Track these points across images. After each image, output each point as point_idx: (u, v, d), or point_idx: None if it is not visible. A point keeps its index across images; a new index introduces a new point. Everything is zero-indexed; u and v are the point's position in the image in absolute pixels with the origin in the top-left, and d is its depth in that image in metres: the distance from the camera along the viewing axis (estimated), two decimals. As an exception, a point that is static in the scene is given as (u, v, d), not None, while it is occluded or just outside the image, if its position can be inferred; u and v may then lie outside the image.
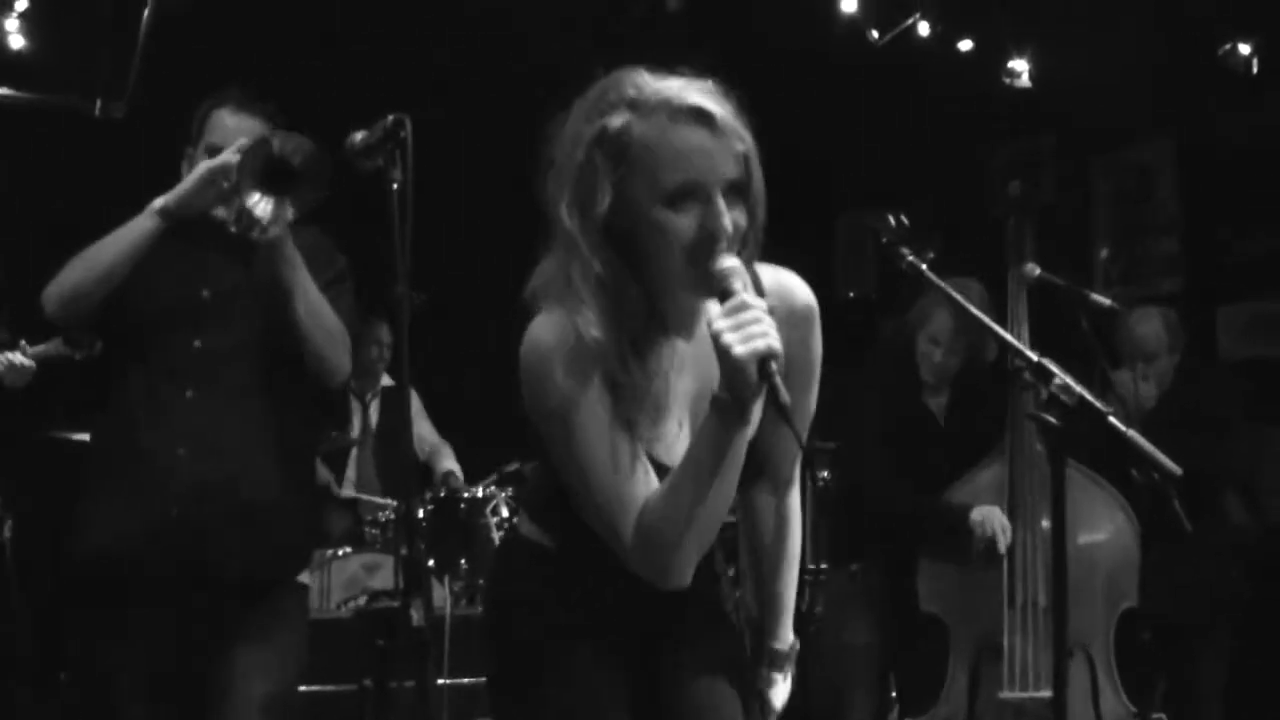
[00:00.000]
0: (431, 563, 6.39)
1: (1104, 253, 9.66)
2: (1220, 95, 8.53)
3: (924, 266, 3.61)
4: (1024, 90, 8.49)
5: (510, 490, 6.40)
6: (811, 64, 8.96)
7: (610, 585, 2.66)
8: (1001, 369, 4.89)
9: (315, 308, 3.82)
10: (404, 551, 3.24)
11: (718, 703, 2.79)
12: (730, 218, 2.44)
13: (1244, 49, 8.09)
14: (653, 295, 2.53)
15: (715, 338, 2.33)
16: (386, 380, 8.17)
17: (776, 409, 2.31)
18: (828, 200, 10.66)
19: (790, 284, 2.76)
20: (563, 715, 2.70)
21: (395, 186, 3.15)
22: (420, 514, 6.53)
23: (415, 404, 8.06)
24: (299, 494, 4.00)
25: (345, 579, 6.61)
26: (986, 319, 3.53)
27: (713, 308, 2.39)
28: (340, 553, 6.74)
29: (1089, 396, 3.09)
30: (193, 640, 3.81)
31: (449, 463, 7.84)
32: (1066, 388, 3.10)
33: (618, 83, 2.52)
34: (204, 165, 3.79)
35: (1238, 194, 8.78)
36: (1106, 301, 5.00)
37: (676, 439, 2.60)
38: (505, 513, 6.06)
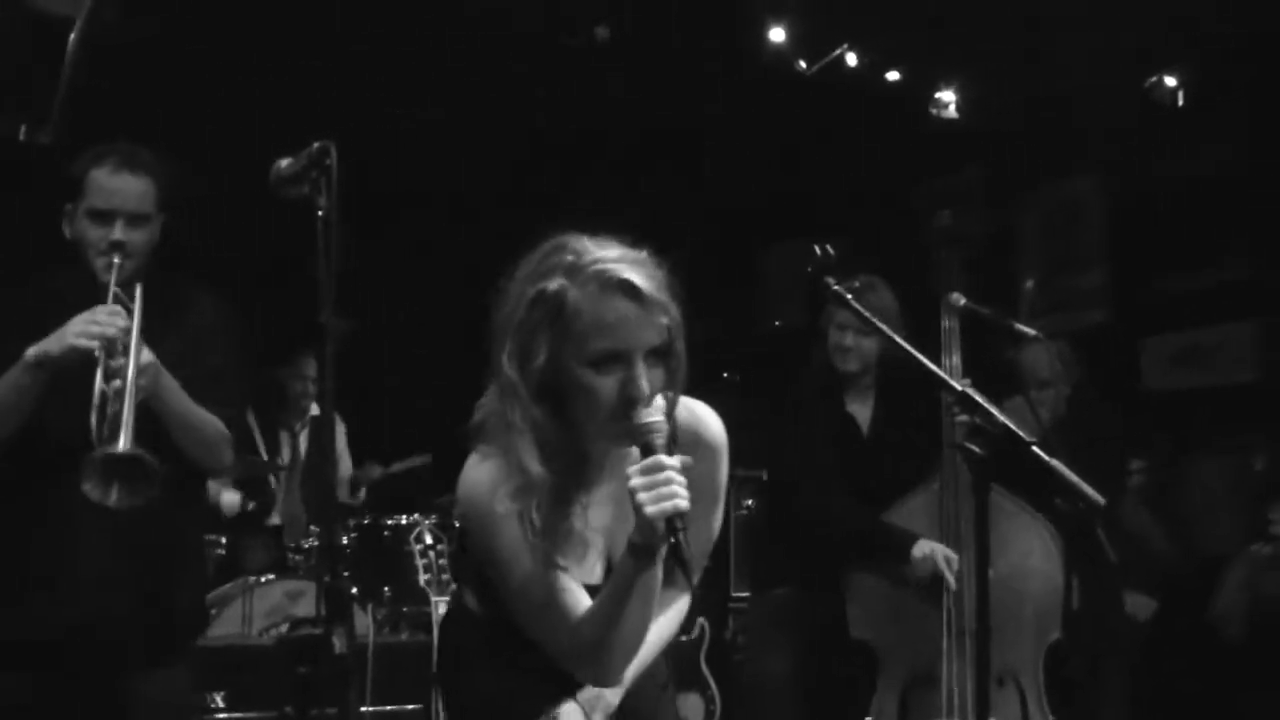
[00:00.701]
0: (355, 590, 6.37)
1: (1030, 284, 9.75)
2: (1147, 130, 8.64)
3: (849, 295, 3.62)
4: (951, 121, 8.56)
5: (434, 518, 6.37)
6: (741, 95, 9.00)
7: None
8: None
9: (189, 424, 3.79)
10: (326, 579, 3.21)
11: None
12: (648, 380, 2.71)
13: (1170, 82, 8.20)
14: (581, 441, 2.82)
15: (631, 494, 2.62)
16: (314, 409, 8.15)
17: (677, 562, 2.63)
18: (756, 233, 10.72)
19: (704, 417, 3.04)
20: None
21: (320, 213, 3.13)
22: (344, 541, 6.52)
23: (340, 433, 8.08)
24: (190, 584, 4.06)
25: (268, 606, 6.57)
26: (911, 349, 3.54)
27: (631, 467, 2.66)
28: (263, 579, 6.70)
29: (1013, 426, 3.11)
30: None
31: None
32: (991, 417, 3.13)
33: (559, 247, 2.78)
34: (78, 326, 3.63)
35: (1165, 228, 8.89)
36: (1030, 331, 5.03)
37: (596, 564, 2.92)
38: (429, 539, 6.03)
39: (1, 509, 3.80)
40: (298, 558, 7.11)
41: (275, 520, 7.79)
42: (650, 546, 2.67)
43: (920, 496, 5.01)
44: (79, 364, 3.60)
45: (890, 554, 4.91)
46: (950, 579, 4.78)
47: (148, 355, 3.64)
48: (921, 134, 9.03)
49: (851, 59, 8.40)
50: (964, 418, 3.45)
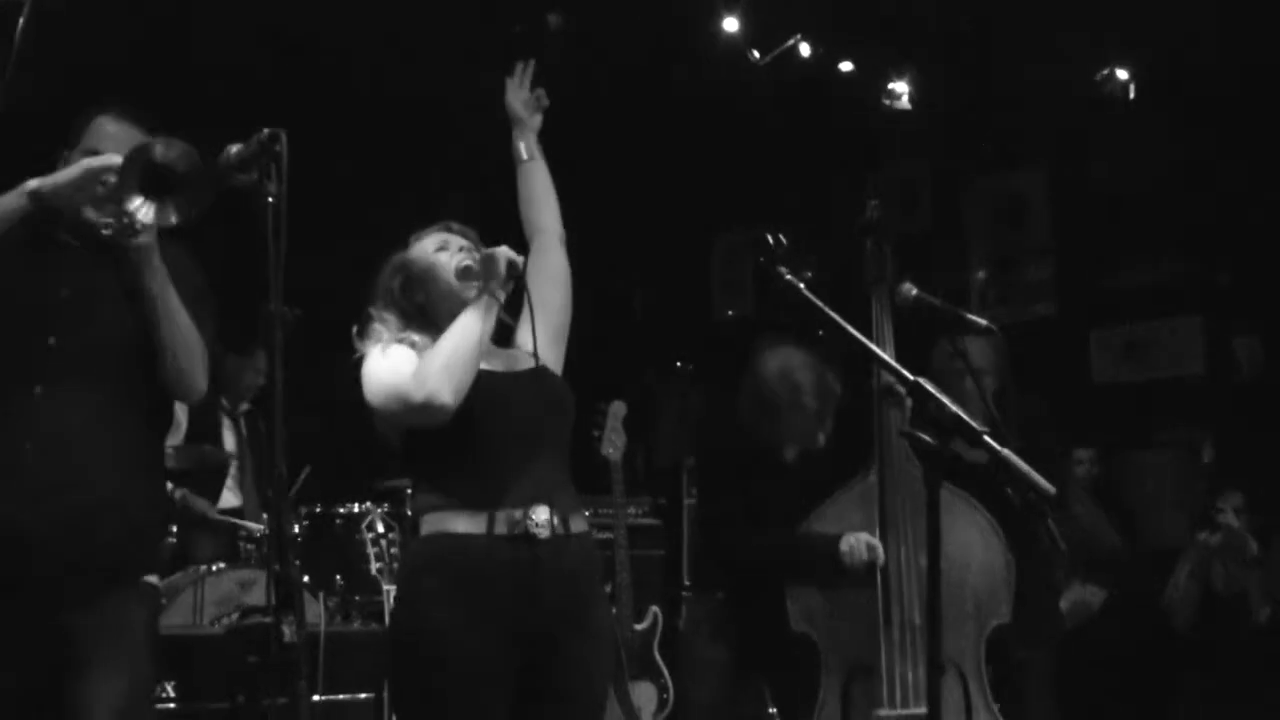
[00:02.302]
0: (306, 579, 6.33)
1: (980, 275, 9.79)
2: (1094, 124, 8.67)
3: (801, 285, 3.60)
4: (903, 113, 8.57)
5: (386, 506, 6.35)
6: (693, 86, 8.99)
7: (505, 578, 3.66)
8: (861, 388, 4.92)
9: (177, 320, 3.73)
10: (276, 567, 3.18)
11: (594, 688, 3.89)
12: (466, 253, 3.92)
13: (1121, 75, 8.22)
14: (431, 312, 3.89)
15: (485, 256, 3.78)
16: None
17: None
18: (705, 221, 10.71)
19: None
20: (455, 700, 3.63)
21: (270, 201, 3.10)
22: (295, 530, 6.48)
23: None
24: (142, 493, 3.86)
25: (219, 595, 6.51)
26: (865, 339, 3.53)
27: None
28: (214, 568, 6.65)
29: (965, 416, 3.11)
30: (38, 657, 3.70)
31: None
32: (942, 407, 3.12)
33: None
34: (85, 161, 3.66)
35: (1111, 222, 8.93)
36: (982, 322, 5.01)
37: None
38: (380, 528, 6.00)
39: None
40: (249, 546, 7.06)
41: (231, 502, 7.75)
42: (494, 290, 3.75)
43: (853, 490, 5.00)
44: (70, 210, 3.69)
45: (818, 561, 4.91)
46: (880, 556, 4.78)
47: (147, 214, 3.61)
48: (872, 125, 9.04)
49: (805, 49, 8.37)
50: (909, 405, 3.44)
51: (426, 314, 3.88)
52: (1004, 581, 4.90)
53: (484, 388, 3.72)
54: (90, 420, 3.69)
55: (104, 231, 3.64)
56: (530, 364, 3.83)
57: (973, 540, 4.88)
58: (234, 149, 3.20)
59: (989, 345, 5.63)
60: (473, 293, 3.78)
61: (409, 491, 5.35)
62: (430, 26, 8.17)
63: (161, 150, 3.56)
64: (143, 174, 3.53)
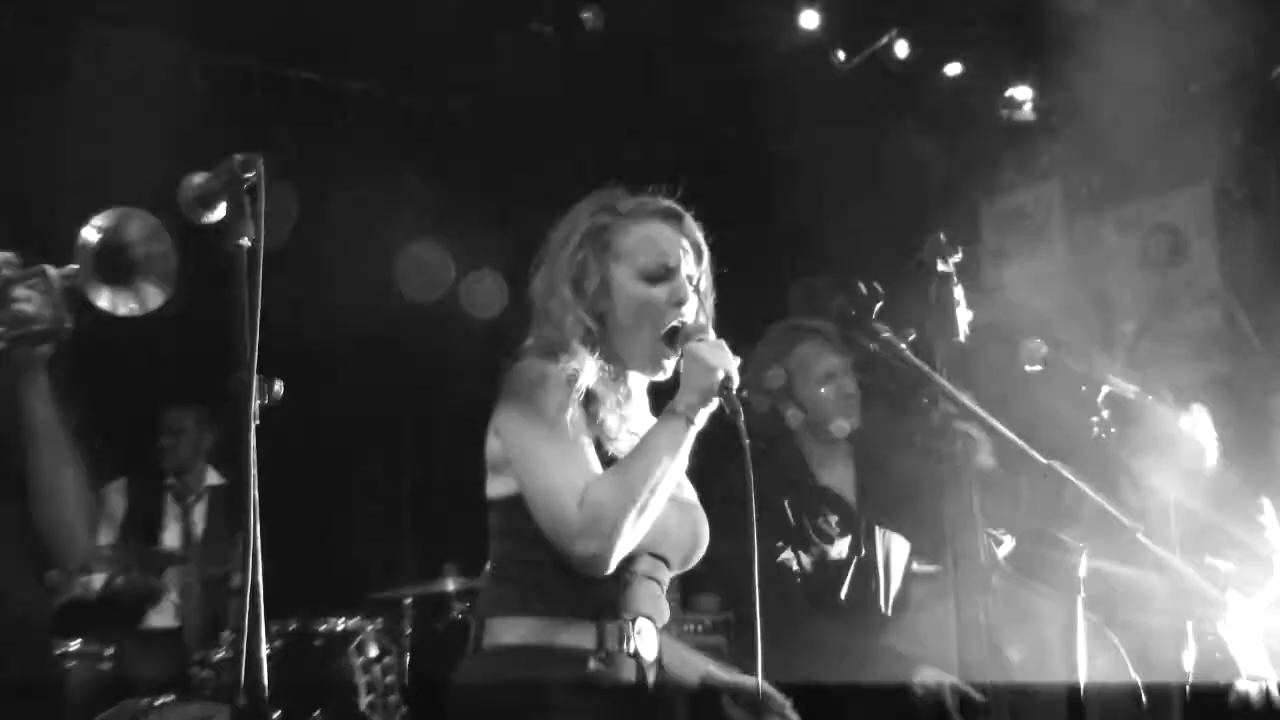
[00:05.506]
0: (278, 716, 6.33)
1: (1130, 328, 9.72)
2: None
3: (903, 346, 3.63)
4: (1025, 124, 8.56)
5: (380, 622, 6.35)
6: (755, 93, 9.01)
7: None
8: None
9: (59, 454, 3.85)
10: (240, 701, 3.19)
11: None
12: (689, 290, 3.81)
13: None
14: (621, 357, 3.85)
15: (689, 355, 3.65)
16: (214, 477, 8.13)
17: (730, 410, 3.58)
18: (766, 267, 10.64)
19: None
20: None
21: (243, 244, 3.12)
22: (264, 651, 6.47)
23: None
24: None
25: (166, 740, 6.50)
26: (985, 413, 3.54)
27: (690, 341, 3.69)
28: (159, 702, 6.63)
29: (1111, 508, 3.11)
30: None
31: None
32: (1082, 497, 3.12)
33: (599, 196, 3.94)
34: None
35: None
36: (1131, 389, 4.99)
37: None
38: (374, 651, 6.00)
39: None
40: (204, 673, 7.04)
41: (171, 622, 7.75)
42: (695, 404, 3.60)
43: (926, 609, 5.05)
44: None
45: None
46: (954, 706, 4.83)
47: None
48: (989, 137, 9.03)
49: (901, 49, 8.39)
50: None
51: (605, 326, 3.84)
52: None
53: None
54: None
55: None
56: (690, 493, 3.95)
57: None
58: (196, 179, 3.20)
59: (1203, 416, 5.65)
60: (669, 359, 3.81)
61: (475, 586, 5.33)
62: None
63: (114, 227, 3.62)
64: (97, 261, 3.59)
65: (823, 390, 5.44)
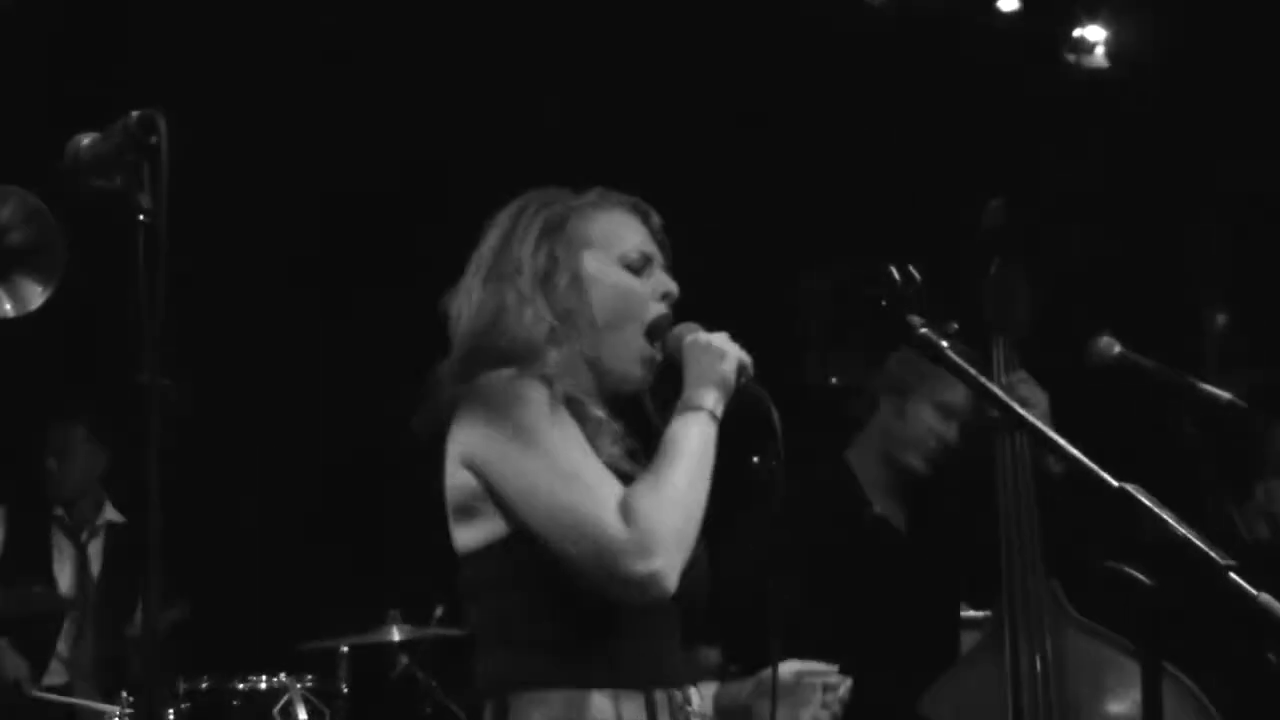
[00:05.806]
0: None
1: (1220, 320, 9.72)
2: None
3: (944, 344, 3.56)
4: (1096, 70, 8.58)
5: (310, 680, 6.31)
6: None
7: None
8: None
9: None
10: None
11: None
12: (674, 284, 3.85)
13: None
14: (597, 366, 3.79)
15: (699, 343, 3.70)
16: (112, 513, 8.10)
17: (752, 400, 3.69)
18: (773, 253, 10.60)
19: None
20: None
21: (142, 218, 3.06)
22: (170, 715, 6.43)
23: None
24: None
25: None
26: (1054, 435, 3.46)
27: (689, 336, 3.74)
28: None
29: (1196, 539, 3.04)
30: None
31: None
32: (1164, 526, 3.05)
33: (541, 194, 3.90)
34: None
35: None
36: (1225, 395, 4.95)
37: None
38: (303, 715, 5.96)
39: None
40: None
41: (59, 679, 7.71)
42: (716, 401, 3.65)
43: (977, 660, 5.04)
44: None
45: None
46: None
47: None
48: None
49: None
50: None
51: (573, 326, 3.76)
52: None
53: None
54: None
55: None
56: None
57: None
58: (85, 139, 3.15)
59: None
60: (654, 356, 3.81)
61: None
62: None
63: None
64: None
65: (933, 418, 5.42)
